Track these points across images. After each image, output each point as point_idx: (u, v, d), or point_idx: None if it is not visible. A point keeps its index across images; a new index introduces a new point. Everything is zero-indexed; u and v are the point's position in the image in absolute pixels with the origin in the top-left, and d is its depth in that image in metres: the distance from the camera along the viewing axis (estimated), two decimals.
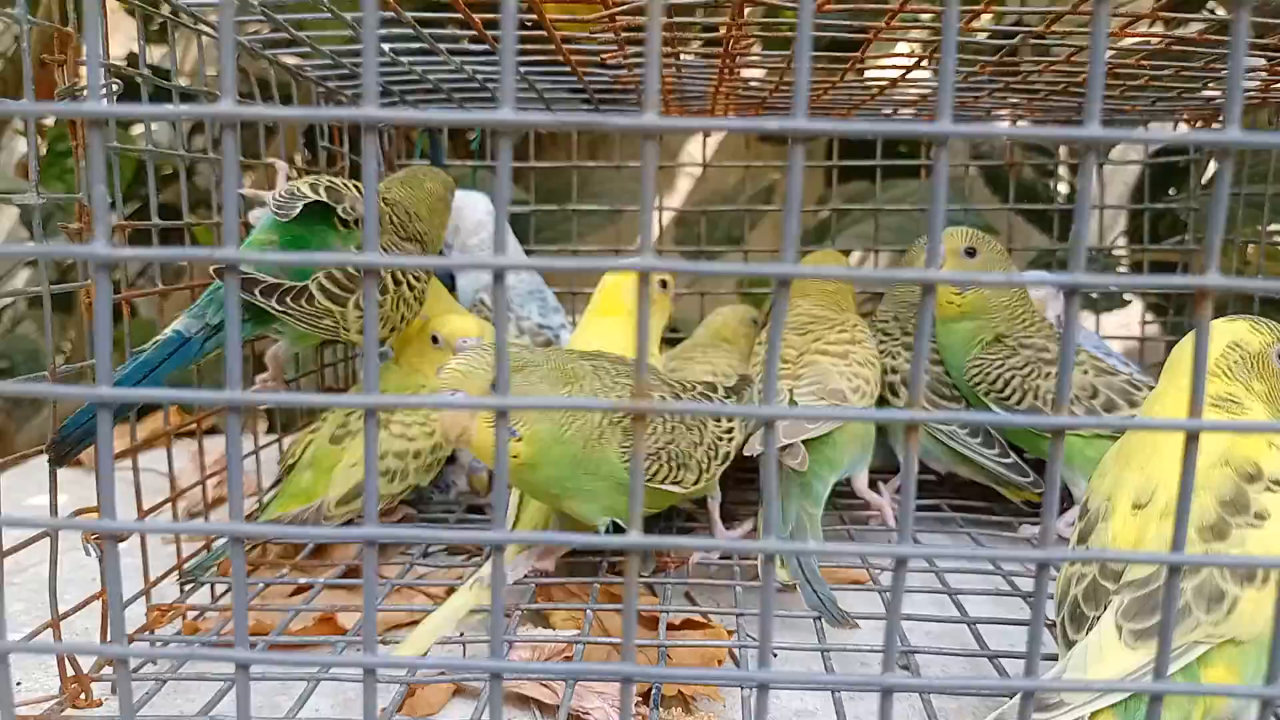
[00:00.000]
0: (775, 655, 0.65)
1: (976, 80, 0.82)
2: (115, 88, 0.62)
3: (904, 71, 0.80)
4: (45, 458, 0.63)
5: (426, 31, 0.74)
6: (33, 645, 0.44)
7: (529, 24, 0.69)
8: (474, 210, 1.05)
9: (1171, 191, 1.27)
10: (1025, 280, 0.32)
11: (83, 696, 0.59)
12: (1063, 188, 1.48)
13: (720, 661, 0.67)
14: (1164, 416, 0.57)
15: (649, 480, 0.72)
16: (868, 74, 0.79)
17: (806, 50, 0.31)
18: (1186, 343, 0.61)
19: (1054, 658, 0.53)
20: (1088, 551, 0.53)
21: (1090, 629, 0.49)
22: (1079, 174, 0.33)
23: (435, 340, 0.89)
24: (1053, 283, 0.35)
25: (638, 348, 0.32)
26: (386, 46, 0.80)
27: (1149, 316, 1.32)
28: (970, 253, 0.90)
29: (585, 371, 0.72)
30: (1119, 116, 1.02)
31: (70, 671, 0.60)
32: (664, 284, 0.96)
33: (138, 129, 1.61)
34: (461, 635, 0.69)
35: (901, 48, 1.03)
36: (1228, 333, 0.60)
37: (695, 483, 0.75)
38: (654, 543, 0.34)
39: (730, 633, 0.69)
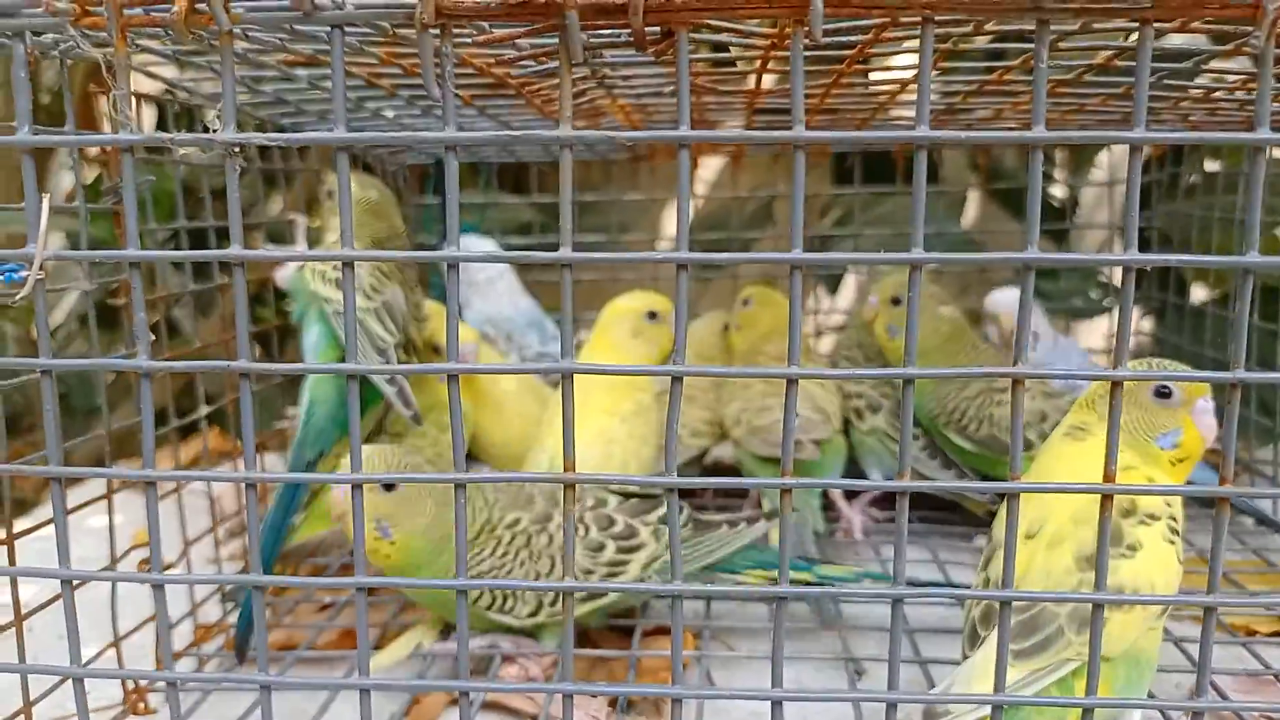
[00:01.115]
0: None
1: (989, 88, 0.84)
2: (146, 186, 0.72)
3: (903, 84, 0.83)
4: (100, 478, 0.72)
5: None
6: (97, 671, 0.54)
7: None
8: (478, 251, 1.14)
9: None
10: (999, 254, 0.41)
11: (141, 705, 0.70)
12: (1057, 190, 1.54)
13: (687, 665, 0.76)
14: (1058, 458, 0.63)
15: (474, 604, 0.71)
16: (875, 81, 0.80)
17: (799, 71, 0.39)
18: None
19: None
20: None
21: (981, 645, 0.57)
22: (1029, 168, 0.41)
23: (435, 350, 0.96)
24: (1007, 260, 0.43)
25: None
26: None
27: (1145, 325, 1.36)
28: (896, 301, 0.99)
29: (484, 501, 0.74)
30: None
31: (131, 684, 0.70)
32: (653, 315, 0.99)
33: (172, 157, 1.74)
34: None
35: (906, 59, 1.08)
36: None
37: (532, 615, 0.73)
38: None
39: (696, 636, 0.78)
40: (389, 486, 0.68)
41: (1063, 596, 0.51)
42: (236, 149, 0.41)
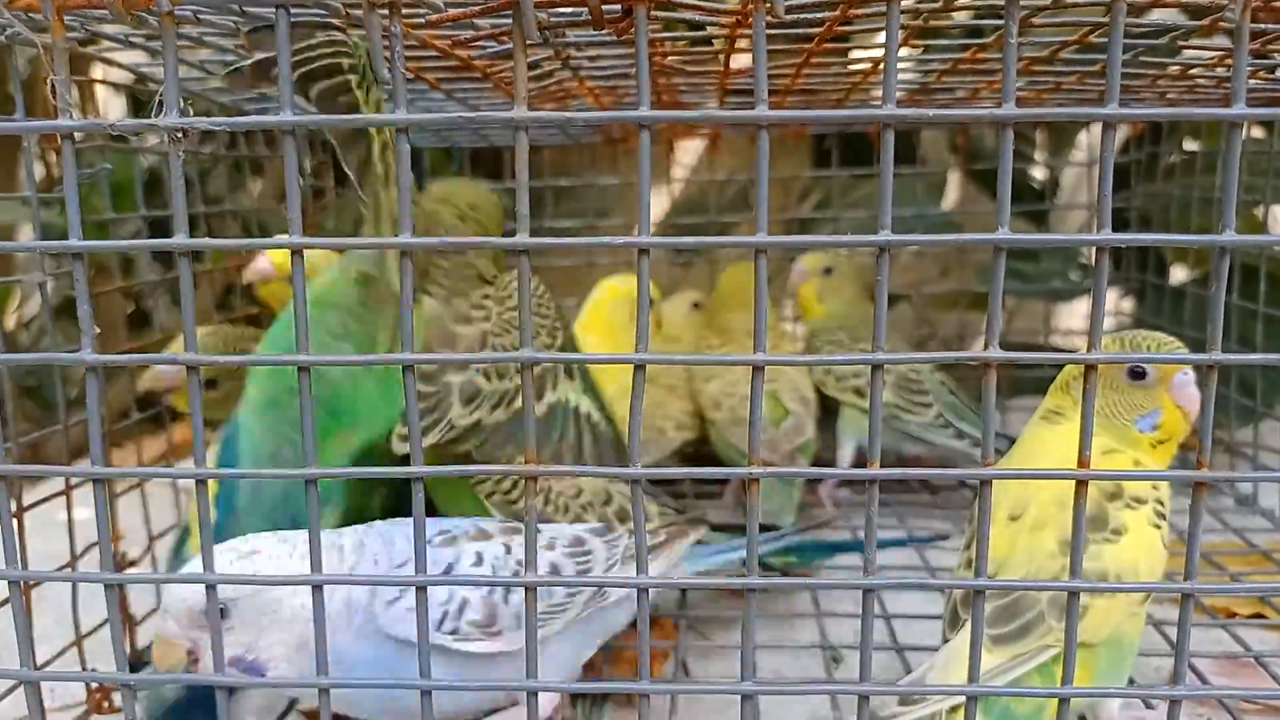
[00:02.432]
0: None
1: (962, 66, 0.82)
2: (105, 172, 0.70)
3: (876, 64, 0.82)
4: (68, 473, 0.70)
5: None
6: (51, 674, 0.53)
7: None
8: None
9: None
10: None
11: (105, 704, 0.68)
12: (1037, 172, 1.53)
13: (666, 655, 0.75)
14: (1037, 442, 0.63)
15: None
16: (849, 60, 0.79)
17: (762, 50, 0.37)
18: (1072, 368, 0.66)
19: None
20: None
21: (960, 630, 0.56)
22: (1000, 146, 0.40)
23: None
24: (975, 241, 0.42)
25: None
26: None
27: (1125, 305, 1.36)
28: (827, 270, 1.04)
29: None
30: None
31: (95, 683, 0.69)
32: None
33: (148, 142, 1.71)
34: None
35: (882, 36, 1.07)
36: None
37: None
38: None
39: (675, 626, 0.77)
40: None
41: (1038, 585, 0.51)
42: (179, 134, 0.39)
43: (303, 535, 0.48)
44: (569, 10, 0.43)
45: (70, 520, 0.70)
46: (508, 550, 0.58)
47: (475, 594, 0.55)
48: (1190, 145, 1.20)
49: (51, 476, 0.71)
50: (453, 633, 0.54)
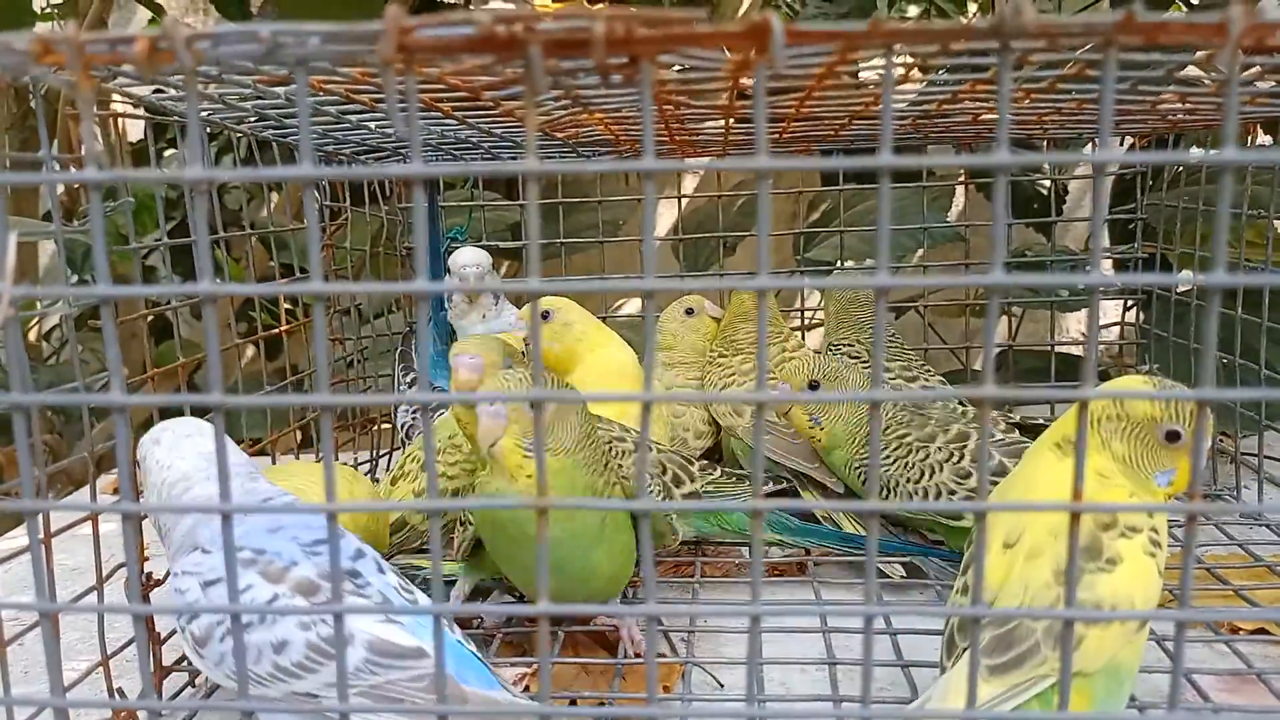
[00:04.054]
0: (722, 685, 0.75)
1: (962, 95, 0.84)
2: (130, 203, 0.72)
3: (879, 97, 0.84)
4: (95, 481, 0.71)
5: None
6: (79, 701, 0.54)
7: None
8: (462, 257, 1.14)
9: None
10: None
11: None
12: (1046, 183, 1.54)
13: (674, 671, 0.76)
14: (1041, 469, 0.64)
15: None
16: (852, 87, 0.81)
17: (762, 105, 0.39)
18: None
19: None
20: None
21: (957, 660, 0.58)
22: (993, 194, 0.41)
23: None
24: (974, 283, 0.43)
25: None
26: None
27: (1131, 317, 1.35)
28: (813, 386, 0.95)
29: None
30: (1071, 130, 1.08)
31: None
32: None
33: (168, 152, 1.74)
34: None
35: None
36: (1129, 387, 0.64)
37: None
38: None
39: (684, 640, 0.79)
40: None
41: (1034, 613, 0.52)
42: (204, 189, 0.41)
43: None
44: (577, 62, 0.44)
45: (96, 536, 0.71)
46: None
47: (298, 635, 0.57)
48: (1198, 152, 1.20)
49: (76, 509, 0.73)
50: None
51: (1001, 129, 0.41)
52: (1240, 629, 0.78)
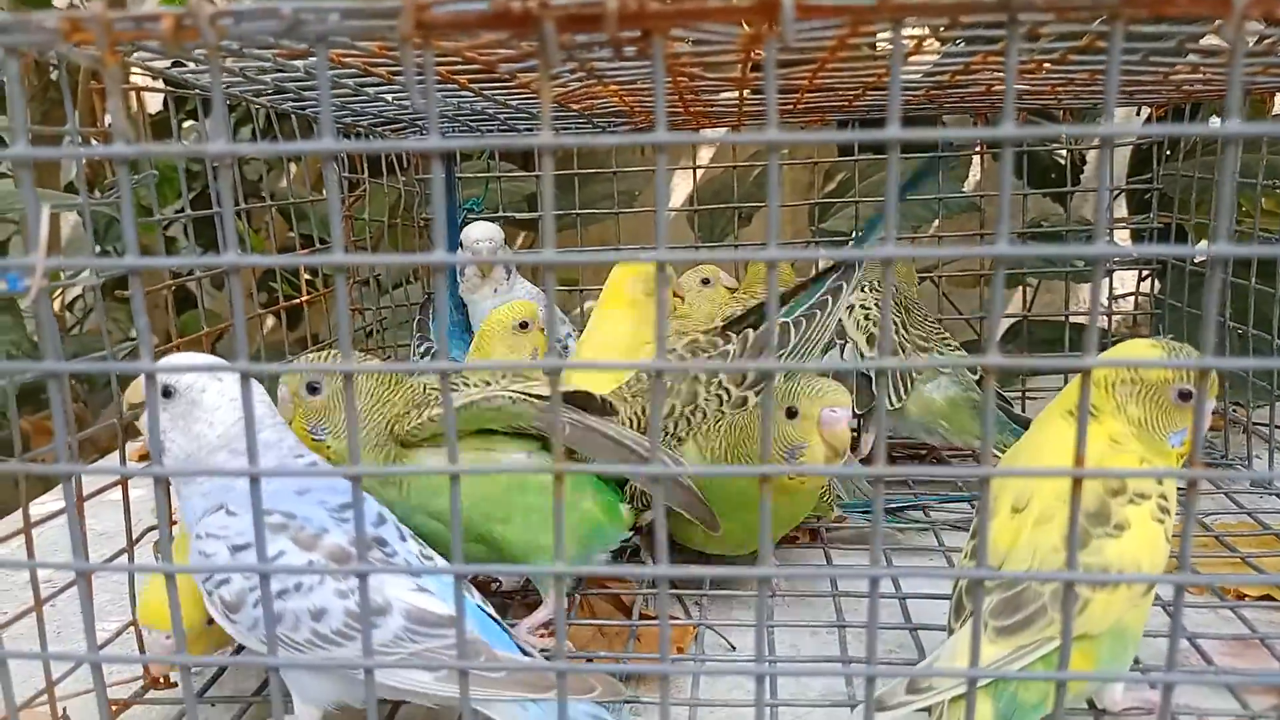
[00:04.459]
0: (734, 648, 0.76)
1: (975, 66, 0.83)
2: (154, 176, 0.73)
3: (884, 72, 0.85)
4: (124, 446, 0.72)
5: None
6: (112, 656, 0.56)
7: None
8: (474, 232, 1.15)
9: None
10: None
11: (162, 679, 0.72)
12: (1064, 153, 1.53)
13: (687, 633, 0.78)
14: (1050, 435, 0.64)
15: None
16: (867, 57, 0.81)
17: (773, 79, 0.40)
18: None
19: None
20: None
21: (965, 621, 0.59)
22: (1000, 168, 0.42)
23: (525, 326, 0.98)
24: (980, 254, 0.45)
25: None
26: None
27: (1146, 287, 1.35)
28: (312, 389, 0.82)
29: None
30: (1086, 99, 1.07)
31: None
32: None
33: (187, 124, 1.75)
34: None
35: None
36: (1136, 350, 0.65)
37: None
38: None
39: (698, 605, 0.81)
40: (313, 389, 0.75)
41: (1034, 576, 0.53)
42: (230, 163, 0.42)
43: None
44: (590, 36, 0.45)
45: (126, 500, 0.73)
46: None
47: (337, 603, 0.58)
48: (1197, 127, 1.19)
49: (108, 473, 0.75)
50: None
51: (1008, 101, 0.41)
52: (1246, 595, 0.79)
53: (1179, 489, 0.99)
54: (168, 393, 0.62)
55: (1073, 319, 1.37)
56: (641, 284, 1.02)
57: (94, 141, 0.89)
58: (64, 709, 0.65)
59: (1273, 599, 0.78)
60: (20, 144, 0.44)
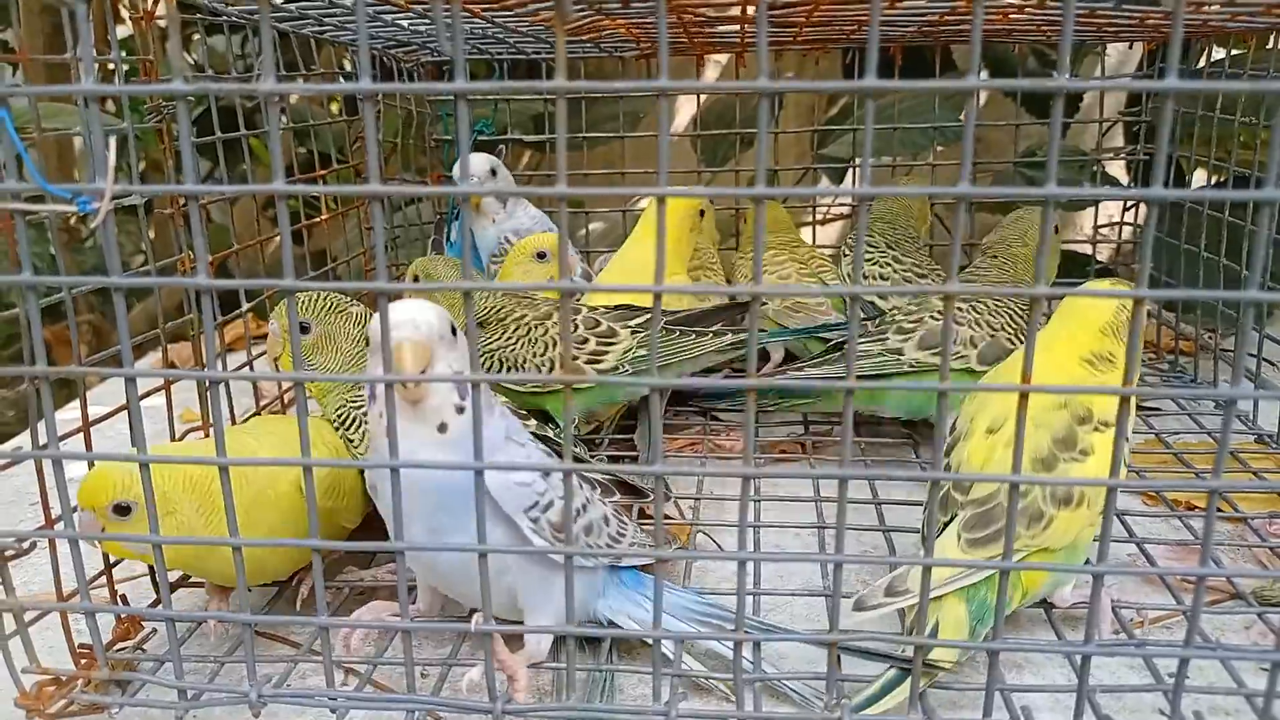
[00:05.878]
0: (722, 548, 0.83)
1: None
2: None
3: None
4: (166, 352, 0.78)
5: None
6: (95, 606, 0.60)
7: None
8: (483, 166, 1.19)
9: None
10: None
11: (132, 632, 0.68)
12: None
13: (683, 532, 0.85)
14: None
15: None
16: None
17: (764, 28, 0.45)
18: (1076, 298, 0.71)
19: None
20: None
21: (940, 533, 0.65)
22: (965, 110, 0.47)
23: (543, 256, 1.05)
24: (942, 194, 0.49)
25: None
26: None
27: (1129, 217, 1.38)
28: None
29: None
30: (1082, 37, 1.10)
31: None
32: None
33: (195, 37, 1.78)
34: None
35: None
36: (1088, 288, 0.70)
37: (535, 390, 0.93)
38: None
39: (692, 507, 0.88)
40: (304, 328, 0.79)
41: (986, 477, 0.59)
42: (277, 99, 0.47)
43: None
44: None
45: (170, 403, 0.77)
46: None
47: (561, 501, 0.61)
48: (1218, 54, 1.21)
49: (149, 355, 0.81)
50: (534, 521, 0.61)
51: (974, 50, 0.46)
52: (1196, 506, 0.85)
53: (1142, 407, 1.06)
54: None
55: (1065, 246, 1.41)
56: (676, 217, 1.08)
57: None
58: (122, 594, 0.71)
59: (1221, 510, 0.85)
60: (88, 81, 0.49)
